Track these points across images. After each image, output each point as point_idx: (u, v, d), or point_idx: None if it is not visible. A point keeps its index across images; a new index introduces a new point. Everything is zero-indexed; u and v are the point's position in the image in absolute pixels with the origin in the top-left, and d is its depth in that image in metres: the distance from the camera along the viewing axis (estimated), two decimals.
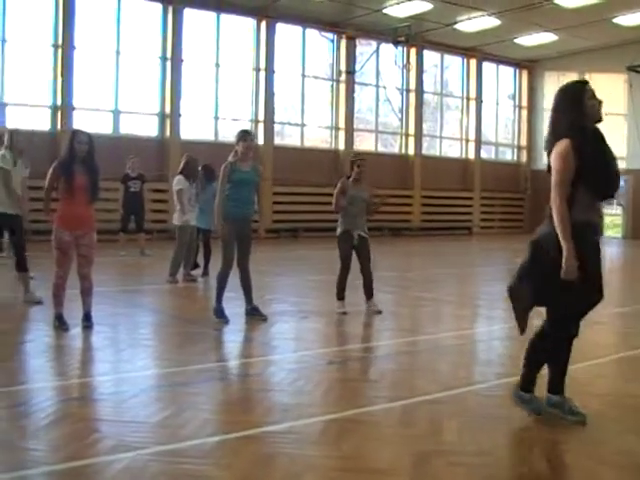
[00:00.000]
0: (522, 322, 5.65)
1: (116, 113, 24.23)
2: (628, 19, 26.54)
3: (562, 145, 5.37)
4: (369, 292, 10.58)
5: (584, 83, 5.64)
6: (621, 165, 27.52)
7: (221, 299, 9.71)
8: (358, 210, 10.67)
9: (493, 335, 9.50)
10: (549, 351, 5.74)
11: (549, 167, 5.48)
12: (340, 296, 10.52)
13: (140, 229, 18.52)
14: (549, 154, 5.50)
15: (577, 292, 5.41)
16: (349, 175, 10.83)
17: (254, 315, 9.83)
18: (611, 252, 26.83)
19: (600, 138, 5.53)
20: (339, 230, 10.68)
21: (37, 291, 10.67)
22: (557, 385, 5.88)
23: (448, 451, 5.01)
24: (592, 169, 5.33)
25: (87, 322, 8.90)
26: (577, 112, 5.45)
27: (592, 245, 5.50)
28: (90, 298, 9.02)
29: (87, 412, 5.76)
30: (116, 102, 24.18)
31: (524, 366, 5.81)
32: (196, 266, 14.24)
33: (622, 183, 31.61)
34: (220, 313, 9.67)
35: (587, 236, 5.43)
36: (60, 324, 8.84)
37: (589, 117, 5.50)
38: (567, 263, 5.25)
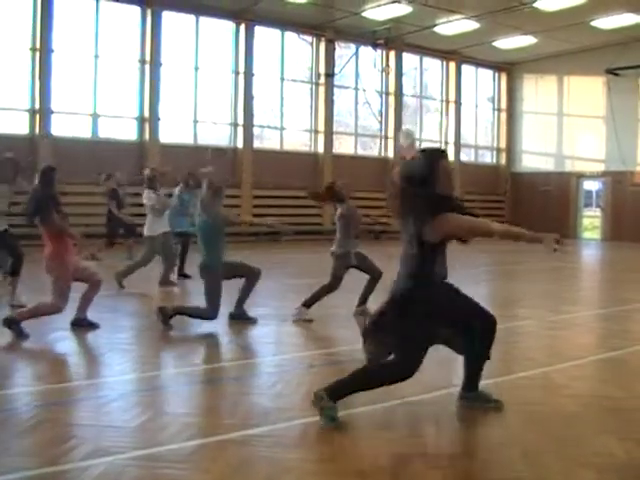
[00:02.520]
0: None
1: (95, 117, 24.12)
2: (606, 22, 26.65)
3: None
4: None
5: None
6: (599, 167, 27.71)
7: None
8: (353, 230, 10.73)
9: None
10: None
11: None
12: (309, 305, 10.45)
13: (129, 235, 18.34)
14: None
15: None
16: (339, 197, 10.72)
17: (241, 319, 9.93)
18: (590, 254, 26.98)
19: None
20: (340, 250, 10.58)
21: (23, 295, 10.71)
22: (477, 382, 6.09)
23: (427, 453, 5.02)
24: None
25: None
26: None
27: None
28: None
29: (65, 417, 5.74)
30: (95, 106, 24.06)
31: None
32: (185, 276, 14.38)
33: (601, 185, 31.84)
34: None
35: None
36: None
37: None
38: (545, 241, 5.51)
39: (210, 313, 9.44)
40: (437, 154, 5.81)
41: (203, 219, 9.61)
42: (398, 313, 5.63)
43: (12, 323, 8.61)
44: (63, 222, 8.90)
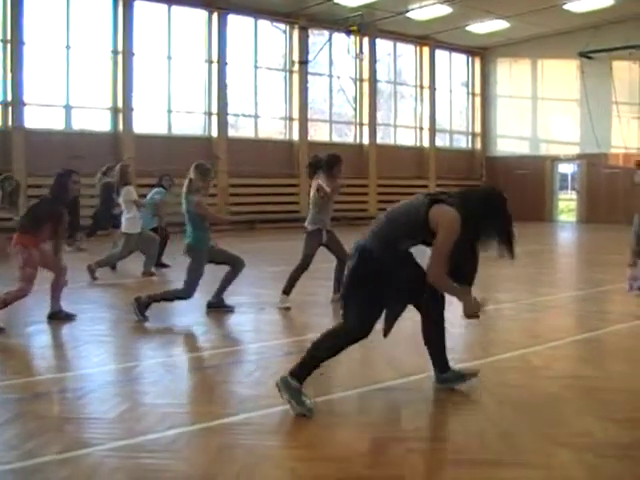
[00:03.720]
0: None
1: (68, 108, 23.97)
2: (578, 5, 26.75)
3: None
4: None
5: None
6: (574, 150, 27.80)
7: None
8: (330, 207, 10.62)
9: (450, 322, 9.54)
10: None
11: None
12: (289, 291, 10.42)
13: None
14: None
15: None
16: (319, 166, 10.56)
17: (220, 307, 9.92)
18: (566, 237, 27.12)
19: None
20: (311, 227, 10.49)
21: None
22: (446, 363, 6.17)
23: (405, 438, 5.04)
24: None
25: None
26: None
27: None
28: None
29: (43, 410, 5.70)
30: (67, 97, 23.91)
31: None
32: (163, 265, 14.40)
33: (576, 168, 31.98)
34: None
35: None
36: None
37: None
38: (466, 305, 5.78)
39: (186, 292, 9.41)
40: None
41: (189, 200, 9.59)
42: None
43: None
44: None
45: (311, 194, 10.57)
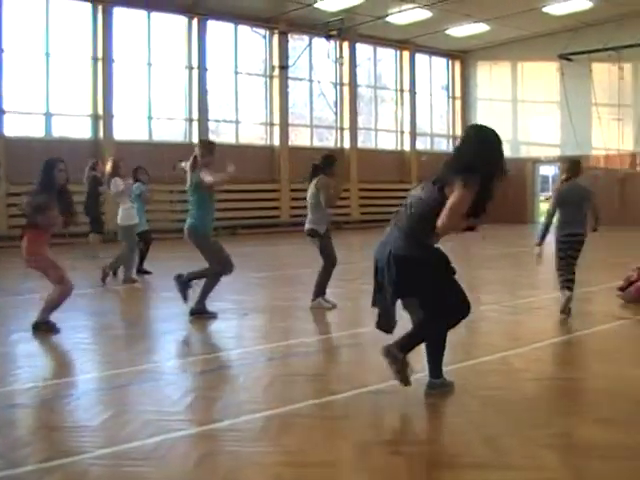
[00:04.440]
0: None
1: (48, 116, 23.90)
2: (557, 8, 26.96)
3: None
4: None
5: None
6: (554, 152, 27.85)
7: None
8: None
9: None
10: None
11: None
12: (324, 292, 10.51)
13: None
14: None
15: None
16: (317, 172, 10.61)
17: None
18: (547, 238, 27.15)
19: None
20: (322, 228, 10.52)
21: None
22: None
23: (390, 441, 5.05)
24: None
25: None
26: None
27: None
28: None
29: (26, 419, 5.69)
30: (47, 104, 23.83)
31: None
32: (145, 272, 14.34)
33: (556, 170, 32.11)
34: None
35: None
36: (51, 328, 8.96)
37: None
38: None
39: (224, 268, 9.57)
40: None
41: (196, 180, 9.64)
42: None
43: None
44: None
45: (309, 195, 10.62)
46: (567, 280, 9.76)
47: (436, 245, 5.95)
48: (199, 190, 9.63)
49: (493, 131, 5.99)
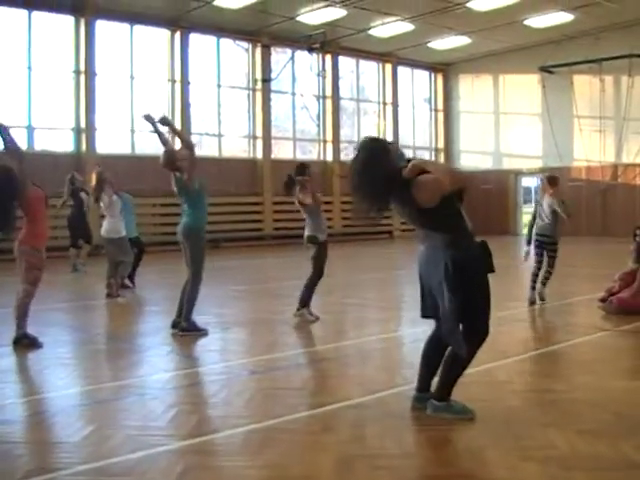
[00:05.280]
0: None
1: (30, 129, 23.81)
2: (538, 21, 27.08)
3: None
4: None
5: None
6: (536, 164, 28.00)
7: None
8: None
9: (416, 337, 9.50)
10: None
11: None
12: (309, 304, 10.53)
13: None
14: None
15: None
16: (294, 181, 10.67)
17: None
18: (530, 250, 27.23)
19: None
20: (321, 237, 10.54)
21: None
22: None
23: (371, 455, 5.03)
24: None
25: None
26: None
27: None
28: None
29: (6, 435, 5.64)
30: (29, 118, 23.74)
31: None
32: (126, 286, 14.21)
33: (539, 182, 32.22)
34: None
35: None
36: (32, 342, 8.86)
37: None
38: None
39: (199, 284, 9.55)
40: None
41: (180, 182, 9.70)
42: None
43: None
44: None
45: (307, 204, 10.67)
46: None
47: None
48: (187, 192, 9.62)
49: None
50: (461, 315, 5.64)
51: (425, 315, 5.98)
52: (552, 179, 12.78)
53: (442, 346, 5.94)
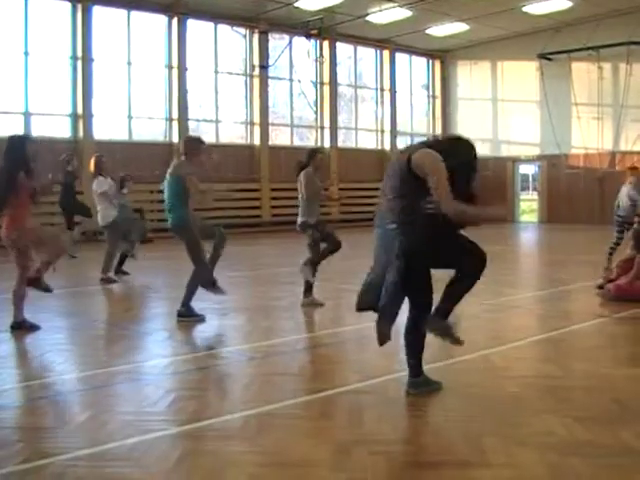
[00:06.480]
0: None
1: (27, 115, 23.73)
2: (537, 7, 27.02)
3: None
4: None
5: None
6: (534, 151, 27.97)
7: None
8: (319, 200, 10.79)
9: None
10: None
11: None
12: (316, 263, 10.62)
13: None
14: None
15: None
16: (304, 166, 10.65)
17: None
18: (528, 237, 27.30)
19: None
20: (313, 219, 10.51)
21: None
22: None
23: (369, 440, 5.03)
24: None
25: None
26: None
27: None
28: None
29: (4, 420, 5.64)
30: (26, 104, 23.65)
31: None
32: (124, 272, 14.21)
33: (536, 169, 32.25)
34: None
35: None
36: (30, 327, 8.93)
37: None
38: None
39: (203, 273, 9.56)
40: None
41: (174, 176, 9.57)
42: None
43: None
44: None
45: (302, 189, 10.61)
46: None
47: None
48: (176, 185, 9.58)
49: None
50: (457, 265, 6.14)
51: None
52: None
53: (418, 327, 6.12)
